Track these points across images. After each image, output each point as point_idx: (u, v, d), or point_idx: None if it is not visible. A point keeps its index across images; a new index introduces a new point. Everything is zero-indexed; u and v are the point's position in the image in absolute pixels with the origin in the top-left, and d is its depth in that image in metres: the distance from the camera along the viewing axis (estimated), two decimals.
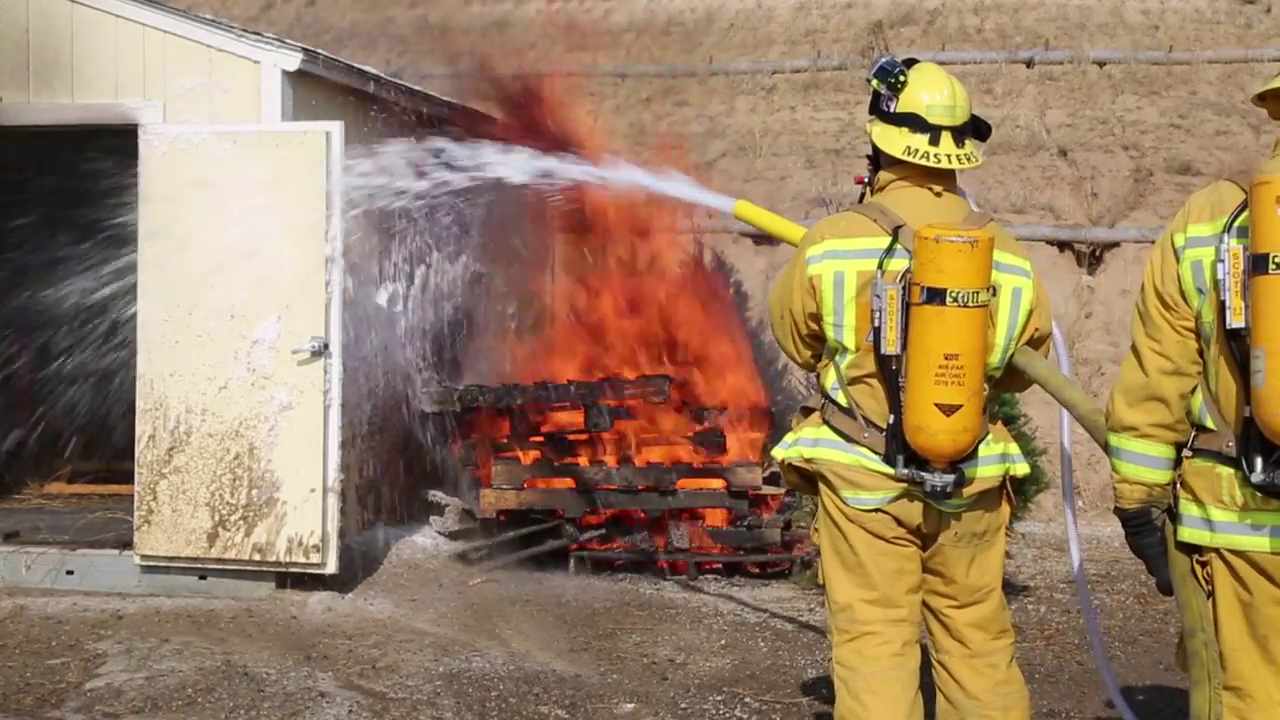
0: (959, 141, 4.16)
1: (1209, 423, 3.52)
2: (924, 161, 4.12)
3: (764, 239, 12.59)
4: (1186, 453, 3.63)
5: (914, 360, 3.91)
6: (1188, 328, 3.55)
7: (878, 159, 4.28)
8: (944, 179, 4.19)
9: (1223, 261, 3.39)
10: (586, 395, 9.33)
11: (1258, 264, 3.28)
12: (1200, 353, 3.55)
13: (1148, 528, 3.66)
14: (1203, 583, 3.58)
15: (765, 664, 6.88)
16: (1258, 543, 3.43)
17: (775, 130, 13.70)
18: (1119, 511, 3.72)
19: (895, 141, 4.15)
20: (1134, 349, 3.64)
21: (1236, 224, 3.41)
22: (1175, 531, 3.62)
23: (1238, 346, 3.40)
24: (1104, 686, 4.40)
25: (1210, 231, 3.47)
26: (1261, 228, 3.27)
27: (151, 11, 8.17)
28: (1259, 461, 3.38)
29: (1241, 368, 3.39)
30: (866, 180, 4.37)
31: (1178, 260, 3.54)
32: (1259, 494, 3.40)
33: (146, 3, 8.20)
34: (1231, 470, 3.46)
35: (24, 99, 8.33)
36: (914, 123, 4.13)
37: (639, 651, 7.12)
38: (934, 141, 4.13)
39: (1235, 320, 3.37)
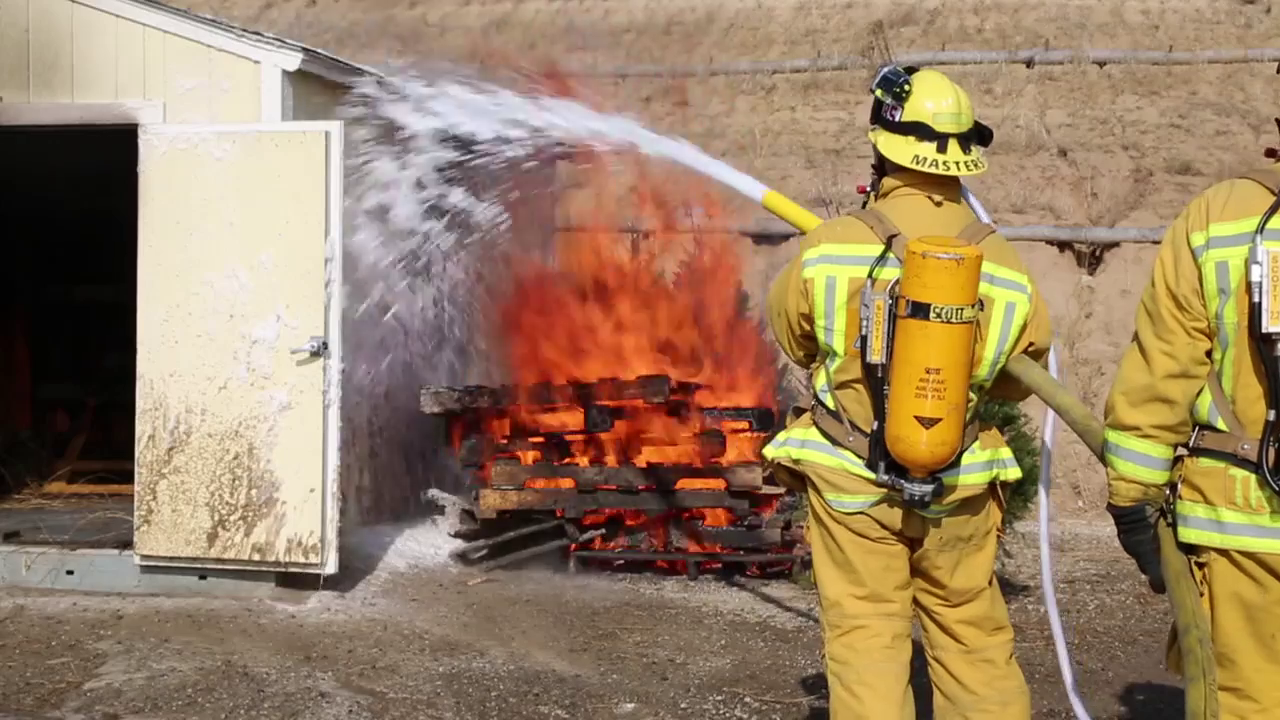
0: (965, 148, 4.16)
1: (1220, 424, 3.49)
2: (933, 169, 4.11)
3: (763, 239, 12.59)
4: (1182, 451, 3.60)
5: (897, 371, 3.91)
6: (1199, 329, 3.50)
7: (882, 166, 4.28)
8: (946, 187, 4.19)
9: (1259, 264, 3.35)
10: (586, 396, 9.32)
11: None
12: (1209, 354, 3.52)
13: (1141, 525, 3.64)
14: (1199, 583, 3.57)
15: (765, 664, 6.87)
16: (1275, 545, 3.42)
17: (775, 130, 13.72)
18: (1112, 508, 3.70)
19: (903, 150, 4.14)
20: (1140, 349, 3.58)
21: (1269, 226, 3.37)
22: (1176, 532, 3.60)
23: (1267, 349, 3.37)
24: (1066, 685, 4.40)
25: (1235, 231, 3.42)
26: None
27: (151, 11, 8.16)
28: None
29: (1269, 371, 3.37)
30: (869, 188, 4.37)
31: (1196, 260, 3.48)
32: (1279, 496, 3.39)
33: (146, 3, 8.19)
34: (1247, 472, 3.43)
35: (24, 99, 8.33)
36: (921, 131, 4.13)
37: (639, 651, 7.11)
38: (941, 149, 4.12)
39: (1273, 324, 3.33)
